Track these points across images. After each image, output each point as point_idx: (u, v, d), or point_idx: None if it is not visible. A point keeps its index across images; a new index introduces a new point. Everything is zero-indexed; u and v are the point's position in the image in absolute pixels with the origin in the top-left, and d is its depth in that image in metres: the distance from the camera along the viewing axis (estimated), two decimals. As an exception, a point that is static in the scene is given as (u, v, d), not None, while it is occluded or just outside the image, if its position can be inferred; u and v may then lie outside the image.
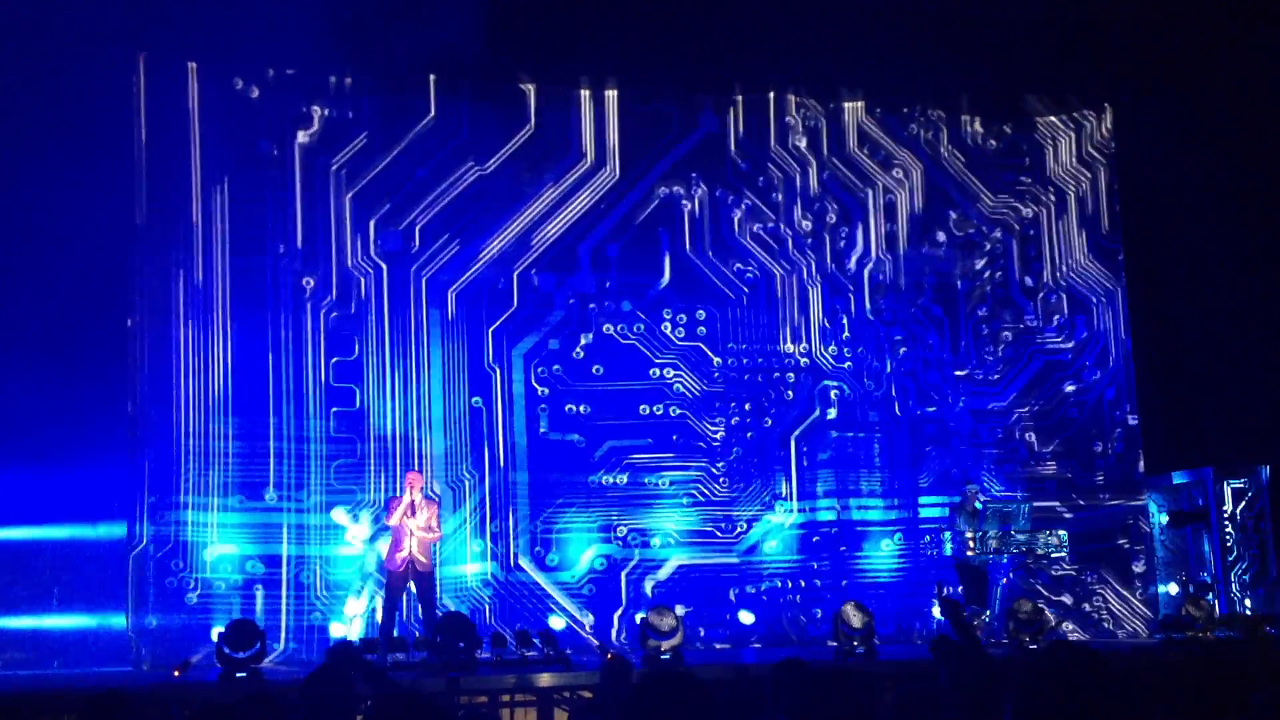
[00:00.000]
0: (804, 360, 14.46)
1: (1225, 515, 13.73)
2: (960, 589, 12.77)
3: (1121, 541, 14.76)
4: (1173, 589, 14.00)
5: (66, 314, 12.09)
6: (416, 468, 12.59)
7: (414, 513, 11.49)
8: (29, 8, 11.71)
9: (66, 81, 12.14)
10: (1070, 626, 14.12)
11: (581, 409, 13.83)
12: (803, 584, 14.01)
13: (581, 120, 14.26)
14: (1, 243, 12.12)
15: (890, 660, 10.96)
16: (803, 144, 14.77)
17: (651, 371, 14.09)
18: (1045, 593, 14.28)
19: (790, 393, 14.37)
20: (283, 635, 12.43)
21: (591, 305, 14.04)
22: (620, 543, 13.65)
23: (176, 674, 10.49)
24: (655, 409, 14.01)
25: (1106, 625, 14.45)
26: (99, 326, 12.40)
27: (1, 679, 11.28)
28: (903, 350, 14.70)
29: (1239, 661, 10.43)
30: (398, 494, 11.85)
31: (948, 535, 13.29)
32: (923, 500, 14.46)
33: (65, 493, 12.01)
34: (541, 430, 13.73)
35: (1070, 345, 15.19)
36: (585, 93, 14.28)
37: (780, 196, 14.66)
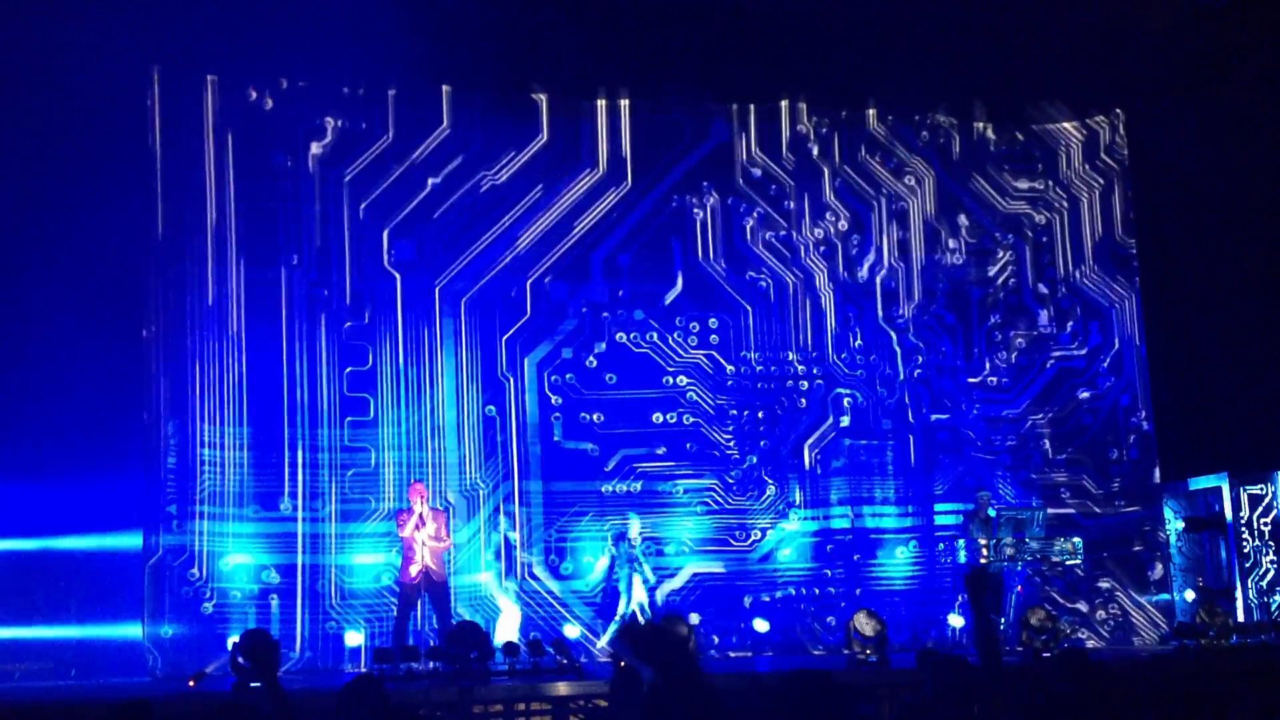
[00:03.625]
0: (817, 368, 14.45)
1: (1241, 521, 13.66)
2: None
3: (1137, 548, 14.70)
4: (1189, 596, 13.92)
5: (82, 325, 12.15)
6: (421, 478, 12.64)
7: (423, 523, 11.54)
8: (46, 23, 11.81)
9: (82, 95, 12.24)
10: (1085, 634, 14.06)
11: (595, 418, 13.85)
12: (817, 592, 13.99)
13: (594, 130, 14.29)
14: (19, 255, 12.22)
15: (903, 669, 10.92)
16: (814, 152, 14.78)
17: (664, 380, 14.11)
18: (1060, 600, 14.24)
19: (803, 400, 14.37)
20: (298, 644, 12.48)
21: (604, 314, 14.07)
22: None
23: (191, 684, 10.52)
24: (668, 417, 14.03)
25: (1122, 632, 14.38)
26: (115, 338, 12.48)
27: (19, 689, 11.34)
28: (917, 358, 14.68)
29: (1252, 667, 10.39)
30: (406, 506, 11.89)
31: (962, 543, 13.25)
32: (937, 508, 14.42)
33: (82, 503, 12.08)
34: (555, 439, 13.75)
35: (1084, 352, 15.16)
36: (598, 103, 14.31)
37: (792, 205, 14.67)
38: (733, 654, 13.45)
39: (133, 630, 12.20)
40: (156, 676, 11.90)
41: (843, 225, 14.75)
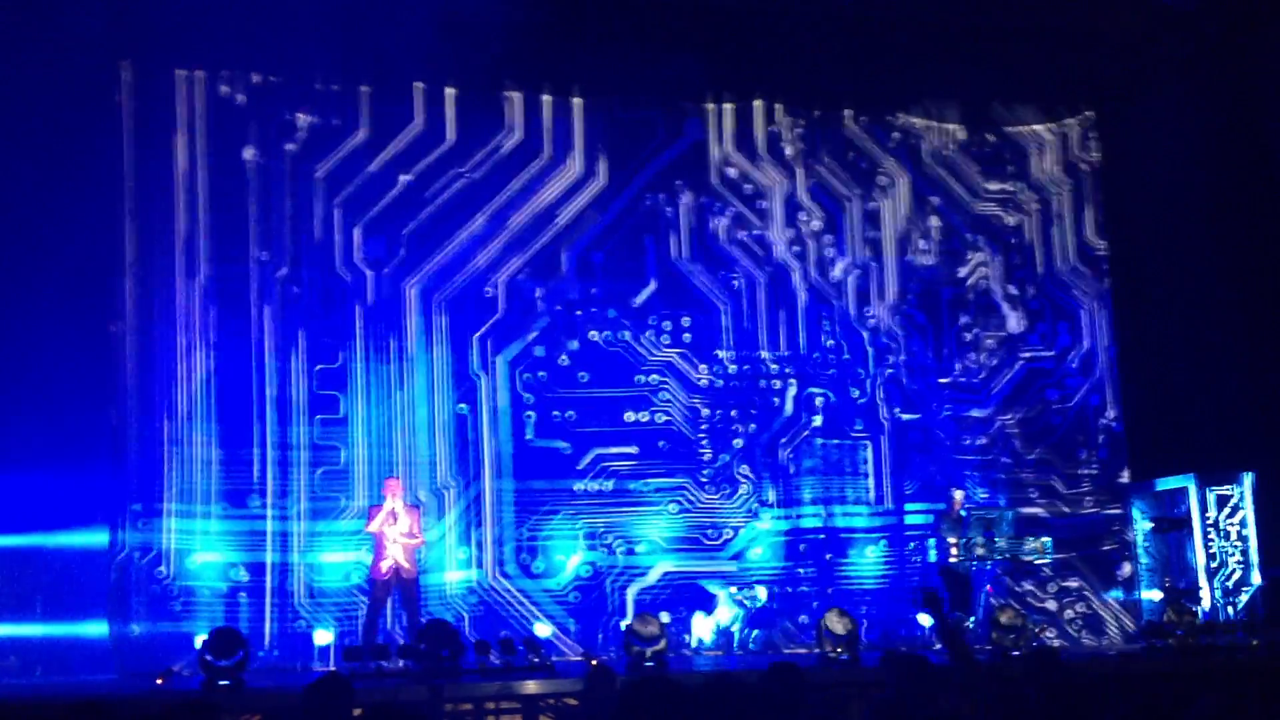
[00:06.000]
0: (789, 367, 14.47)
1: (1209, 522, 13.77)
2: (945, 595, 12.77)
3: (1106, 548, 14.80)
4: (1156, 595, 14.03)
5: (50, 320, 12.02)
6: (395, 474, 12.59)
7: (395, 519, 11.50)
8: (13, 16, 11.68)
9: (51, 89, 12.09)
10: (1053, 633, 14.14)
11: (568, 415, 13.83)
12: (789, 590, 14.01)
13: (568, 128, 14.26)
14: (-14, 250, 12.09)
15: (874, 668, 10.95)
16: (788, 152, 14.80)
17: (637, 378, 14.10)
18: (1029, 599, 14.31)
19: (776, 399, 14.38)
20: (266, 643, 12.39)
21: (577, 312, 14.04)
22: (606, 550, 13.64)
23: (159, 682, 10.44)
24: (641, 416, 14.02)
25: (1090, 631, 14.47)
26: (82, 333, 12.33)
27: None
28: (888, 357, 14.72)
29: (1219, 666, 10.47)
30: (378, 501, 11.85)
31: (932, 542, 13.30)
32: (908, 507, 14.47)
33: (49, 500, 11.94)
34: (527, 437, 13.72)
35: (1054, 352, 15.24)
36: (572, 100, 14.28)
37: (765, 204, 14.69)
38: (705, 652, 13.46)
39: (99, 628, 12.08)
40: (124, 674, 11.79)
41: (815, 225, 14.78)
